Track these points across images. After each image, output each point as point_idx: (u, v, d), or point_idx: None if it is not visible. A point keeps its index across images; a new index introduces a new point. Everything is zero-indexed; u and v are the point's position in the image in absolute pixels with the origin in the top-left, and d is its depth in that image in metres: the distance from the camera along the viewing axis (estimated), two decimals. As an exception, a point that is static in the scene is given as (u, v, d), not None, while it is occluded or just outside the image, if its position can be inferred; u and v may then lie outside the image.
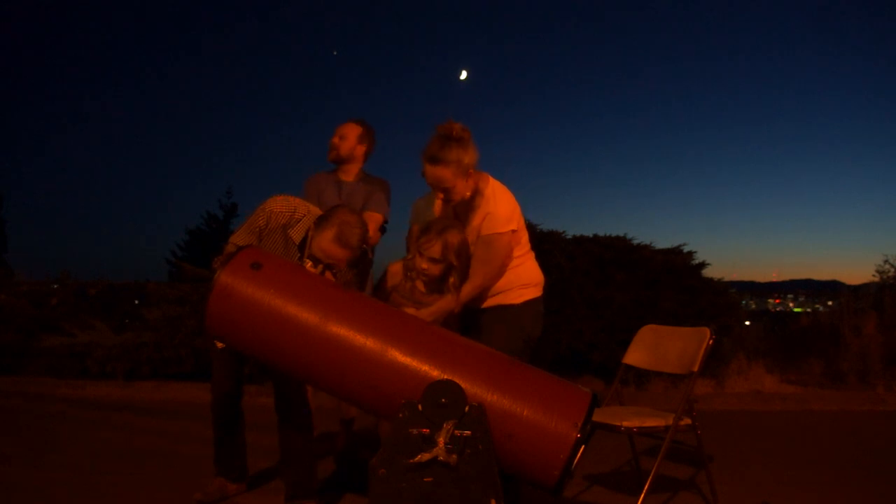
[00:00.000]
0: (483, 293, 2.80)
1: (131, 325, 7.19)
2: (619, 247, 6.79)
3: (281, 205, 2.96)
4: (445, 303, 2.71)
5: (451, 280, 2.73)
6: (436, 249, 2.67)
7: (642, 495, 2.85)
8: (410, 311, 2.70)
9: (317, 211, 2.99)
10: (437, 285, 2.79)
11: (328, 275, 2.79)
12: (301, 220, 2.95)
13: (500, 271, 2.77)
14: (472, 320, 2.89)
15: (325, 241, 2.75)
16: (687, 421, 2.98)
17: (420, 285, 2.82)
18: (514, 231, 2.74)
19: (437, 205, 2.89)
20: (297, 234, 2.94)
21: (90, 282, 10.34)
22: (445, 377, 2.02)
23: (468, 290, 2.72)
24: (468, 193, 2.74)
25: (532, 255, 2.93)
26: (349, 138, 3.74)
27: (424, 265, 2.70)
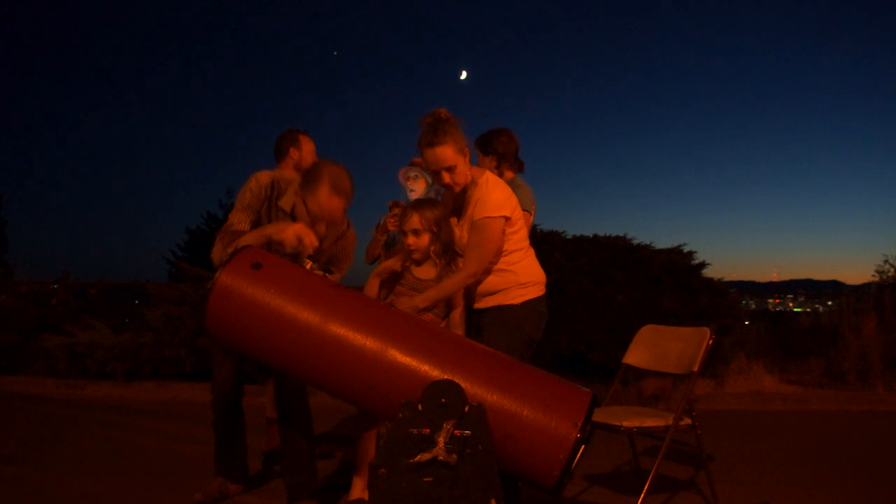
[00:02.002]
0: (479, 286, 2.78)
1: (131, 325, 7.18)
2: (619, 247, 6.79)
3: (267, 177, 2.95)
4: (439, 289, 2.72)
5: (433, 248, 2.80)
6: (414, 221, 2.77)
7: (642, 495, 2.85)
8: (406, 300, 2.72)
9: (297, 176, 2.98)
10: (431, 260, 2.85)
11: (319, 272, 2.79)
12: (287, 188, 2.93)
13: (495, 258, 2.75)
14: (473, 321, 2.88)
15: (322, 196, 2.72)
16: (687, 421, 2.98)
17: (416, 271, 2.85)
18: (506, 218, 2.71)
19: (444, 198, 2.92)
20: (286, 203, 2.92)
21: (90, 282, 10.35)
22: (445, 377, 2.02)
23: (462, 277, 2.69)
24: (469, 179, 2.75)
25: (532, 252, 2.90)
26: None
27: (410, 241, 2.79)
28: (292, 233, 2.62)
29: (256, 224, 2.89)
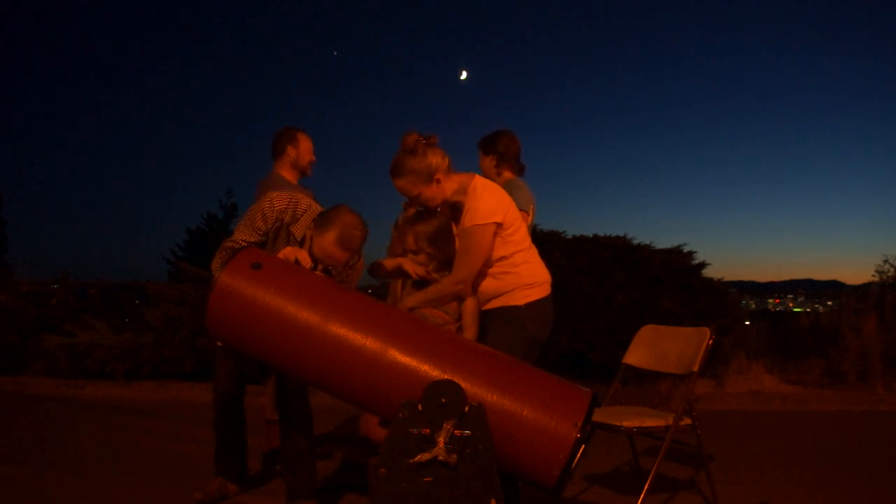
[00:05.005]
0: (484, 289, 2.76)
1: (131, 325, 7.19)
2: (619, 247, 6.80)
3: (284, 201, 2.93)
4: (427, 292, 2.70)
5: (431, 266, 2.77)
6: (409, 242, 2.76)
7: (642, 495, 2.85)
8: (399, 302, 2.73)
9: (317, 207, 2.97)
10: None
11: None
12: (303, 215, 2.92)
13: (495, 263, 2.73)
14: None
15: (327, 243, 2.72)
16: (687, 421, 2.98)
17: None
18: (498, 224, 2.68)
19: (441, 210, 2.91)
20: (298, 230, 2.91)
21: (90, 282, 10.36)
22: (445, 377, 2.02)
23: (449, 282, 2.67)
24: (448, 195, 2.74)
25: (534, 251, 2.87)
26: None
27: (409, 257, 2.78)
28: (289, 251, 2.63)
29: (261, 246, 2.88)
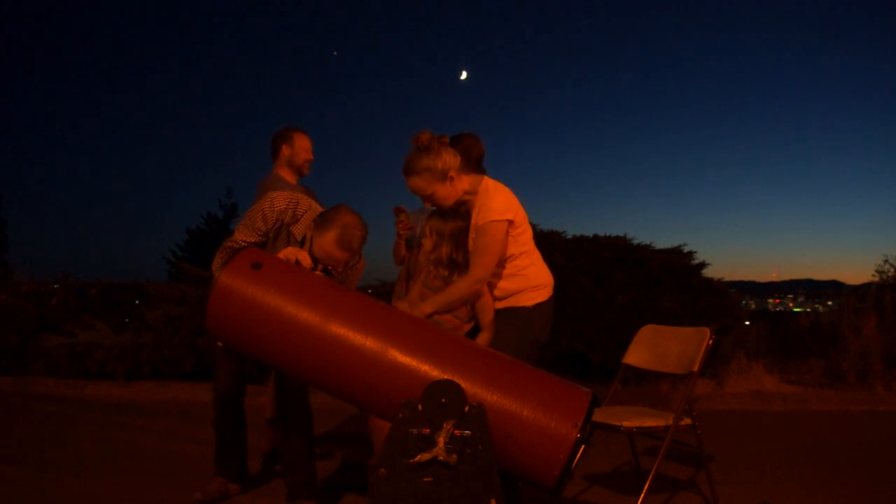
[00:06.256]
0: (493, 291, 2.78)
1: (131, 325, 7.19)
2: (619, 247, 6.79)
3: (284, 201, 2.93)
4: (445, 295, 2.71)
5: (432, 257, 2.83)
6: (425, 227, 2.86)
7: (642, 495, 2.85)
8: (411, 305, 2.73)
9: (317, 207, 2.97)
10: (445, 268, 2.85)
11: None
12: (303, 215, 2.92)
13: (504, 264, 2.75)
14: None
15: (327, 243, 2.73)
16: (687, 421, 2.98)
17: (432, 277, 2.86)
18: (510, 221, 2.71)
19: None
20: (298, 231, 2.91)
21: (90, 282, 10.37)
22: (445, 377, 2.02)
23: (468, 282, 2.69)
24: (460, 194, 2.76)
25: (538, 254, 2.91)
26: None
27: (424, 244, 2.87)
28: (290, 251, 2.63)
29: (261, 246, 2.88)
